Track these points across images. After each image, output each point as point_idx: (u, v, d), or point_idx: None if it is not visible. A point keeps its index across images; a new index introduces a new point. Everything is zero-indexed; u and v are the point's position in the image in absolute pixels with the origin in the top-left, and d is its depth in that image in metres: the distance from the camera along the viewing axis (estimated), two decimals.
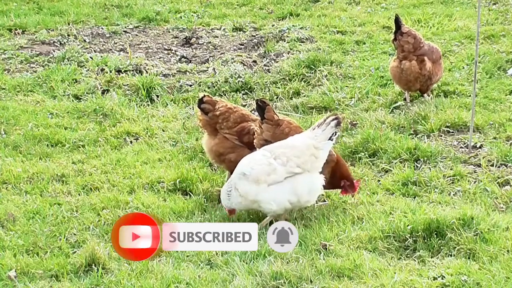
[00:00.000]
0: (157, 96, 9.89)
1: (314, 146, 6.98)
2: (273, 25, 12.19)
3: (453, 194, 7.61)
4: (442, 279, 6.25)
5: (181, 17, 12.70)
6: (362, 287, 6.21)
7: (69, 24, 12.17)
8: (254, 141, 7.53)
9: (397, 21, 9.28)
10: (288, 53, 11.03)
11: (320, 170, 7.09)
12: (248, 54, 11.10)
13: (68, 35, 11.74)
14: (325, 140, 7.02)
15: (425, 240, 6.71)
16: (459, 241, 6.63)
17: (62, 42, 11.54)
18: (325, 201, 7.56)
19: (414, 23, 11.81)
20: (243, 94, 9.89)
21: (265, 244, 6.60)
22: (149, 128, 9.02)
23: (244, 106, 9.56)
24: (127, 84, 10.11)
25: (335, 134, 7.06)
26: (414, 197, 7.54)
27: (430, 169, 7.99)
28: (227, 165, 7.74)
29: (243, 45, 11.56)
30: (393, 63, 9.45)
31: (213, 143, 7.76)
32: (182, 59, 11.13)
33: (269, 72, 10.46)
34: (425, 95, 9.47)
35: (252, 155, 7.15)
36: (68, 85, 10.11)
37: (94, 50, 11.28)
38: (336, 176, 7.40)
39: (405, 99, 9.47)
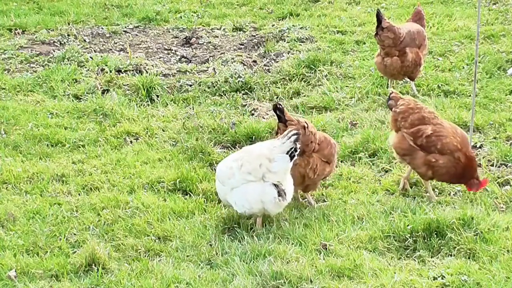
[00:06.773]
0: (157, 96, 9.88)
1: (266, 157, 6.81)
2: (273, 25, 12.19)
3: (453, 194, 7.62)
4: (442, 279, 6.25)
5: (181, 17, 12.70)
6: (362, 287, 6.21)
7: (69, 24, 12.17)
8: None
9: (378, 16, 9.34)
10: (288, 53, 11.02)
11: (286, 181, 6.90)
12: (248, 54, 11.09)
13: (68, 35, 11.73)
14: (282, 153, 6.80)
15: (425, 240, 6.70)
16: (459, 241, 6.63)
17: (62, 42, 11.53)
18: (325, 201, 7.56)
19: None
20: (243, 94, 9.87)
21: (265, 244, 6.61)
22: (149, 128, 9.01)
23: (244, 106, 9.57)
24: (127, 84, 10.10)
25: (295, 150, 6.80)
26: (414, 197, 7.53)
27: None
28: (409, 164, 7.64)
29: (243, 45, 11.56)
30: (376, 58, 9.66)
31: (395, 140, 7.61)
32: (182, 59, 11.12)
33: (269, 72, 10.46)
34: (413, 82, 9.66)
35: (230, 156, 7.24)
36: (68, 85, 10.11)
37: (94, 50, 11.27)
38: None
39: (387, 86, 9.69)
